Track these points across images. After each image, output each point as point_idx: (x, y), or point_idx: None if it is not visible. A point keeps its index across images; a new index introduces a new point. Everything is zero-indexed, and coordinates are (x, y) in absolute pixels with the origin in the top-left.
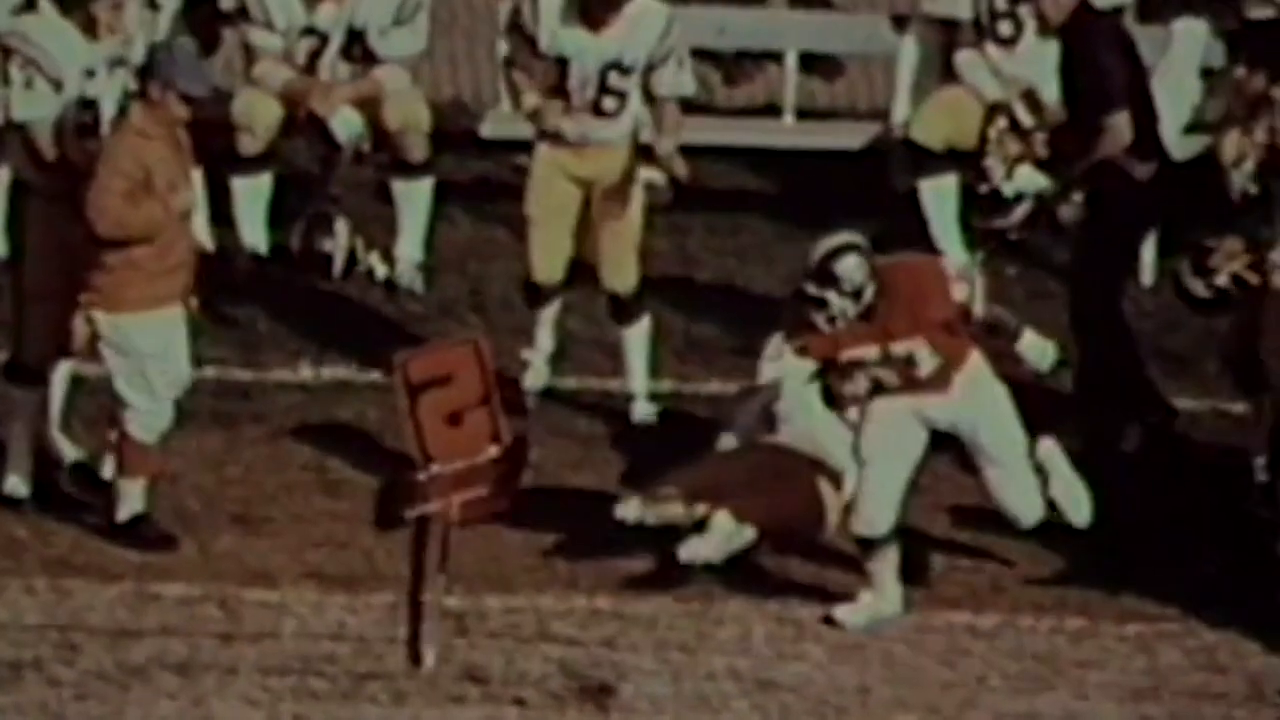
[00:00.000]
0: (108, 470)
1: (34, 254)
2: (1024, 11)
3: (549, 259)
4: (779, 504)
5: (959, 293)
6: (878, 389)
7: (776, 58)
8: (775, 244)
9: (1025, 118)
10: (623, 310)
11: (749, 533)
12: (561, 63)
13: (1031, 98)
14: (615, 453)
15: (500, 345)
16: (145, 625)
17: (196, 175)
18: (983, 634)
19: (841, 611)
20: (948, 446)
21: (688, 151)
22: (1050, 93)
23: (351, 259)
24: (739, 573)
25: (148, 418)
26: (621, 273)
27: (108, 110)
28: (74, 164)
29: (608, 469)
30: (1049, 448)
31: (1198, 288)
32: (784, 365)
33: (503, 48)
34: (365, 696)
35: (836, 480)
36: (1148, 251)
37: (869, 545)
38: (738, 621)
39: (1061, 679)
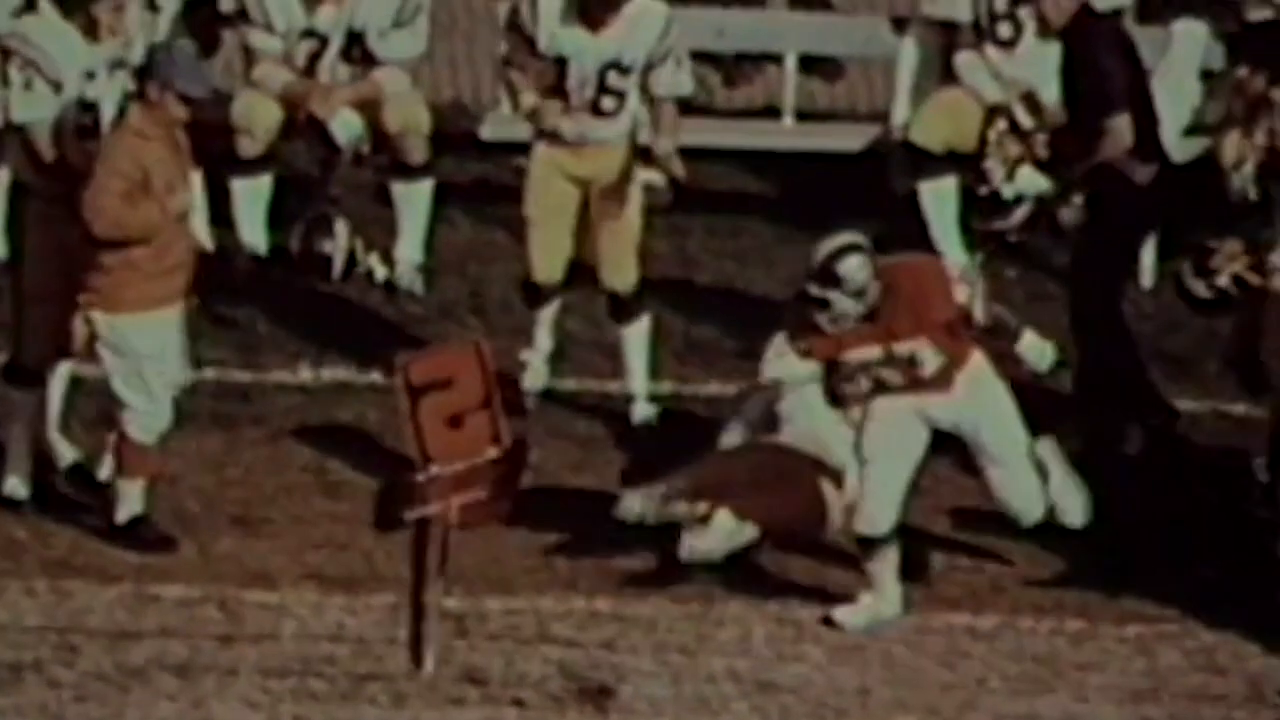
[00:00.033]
0: (104, 472)
1: (33, 256)
2: (1023, 14)
3: (548, 259)
4: (781, 503)
5: (960, 295)
6: (880, 388)
7: (776, 60)
8: (775, 246)
9: (1025, 119)
10: (622, 309)
11: (750, 531)
12: (560, 63)
13: (1031, 100)
14: (615, 454)
15: (500, 347)
16: (145, 627)
17: (196, 177)
18: (982, 635)
19: (841, 613)
20: (948, 448)
21: (687, 153)
22: (1050, 94)
23: (351, 261)
24: (739, 574)
25: (146, 418)
26: (621, 272)
27: (108, 112)
28: (73, 166)
29: (607, 470)
30: (1047, 449)
31: (1199, 288)
32: (787, 365)
33: (501, 48)
34: (365, 698)
35: (838, 480)
36: (1147, 253)
37: (870, 545)
38: (737, 623)
39: (1061, 680)
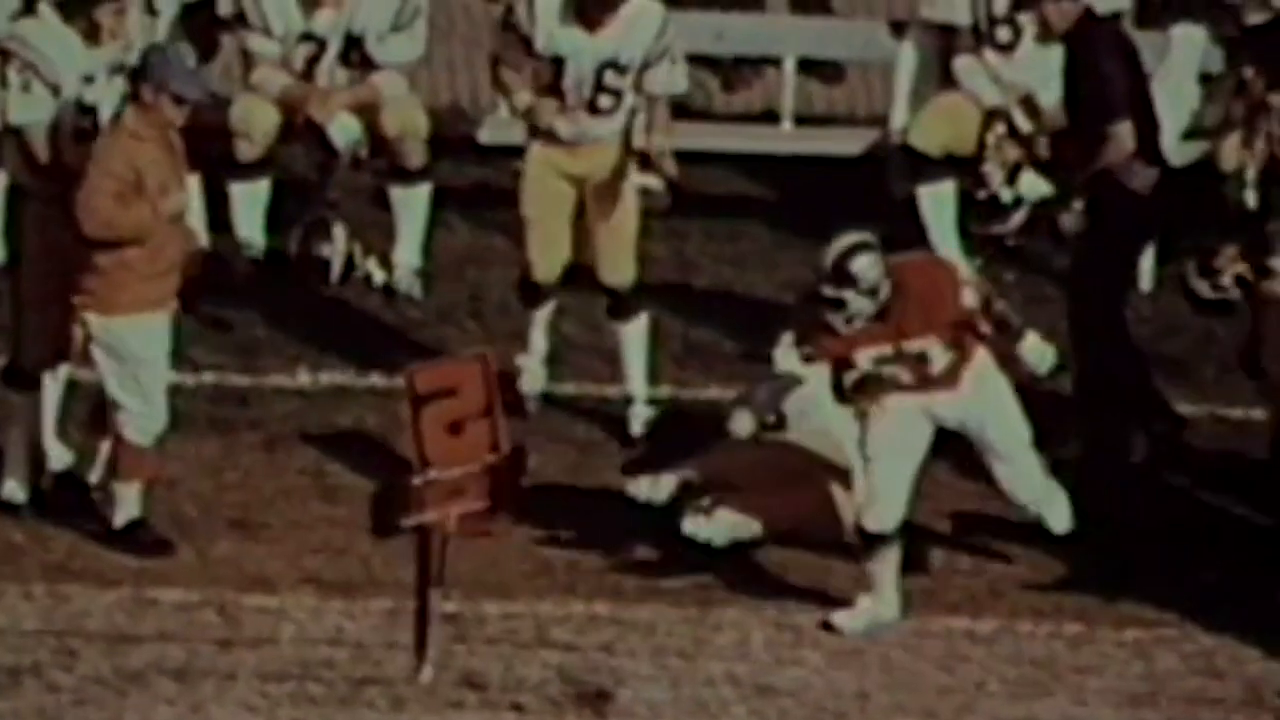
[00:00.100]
0: (94, 476)
1: (31, 259)
2: (1022, 18)
3: (548, 257)
4: (791, 504)
5: (969, 298)
6: (889, 386)
7: (775, 63)
8: (773, 250)
9: (1023, 123)
10: (620, 306)
11: (754, 525)
12: (557, 62)
13: (1030, 103)
14: (613, 458)
15: (498, 351)
16: (143, 631)
17: (193, 180)
18: (981, 639)
19: (840, 617)
20: (946, 451)
21: (686, 157)
22: (1048, 98)
23: (349, 265)
24: (738, 577)
25: (142, 420)
26: (618, 268)
27: (106, 116)
28: (70, 168)
29: (606, 474)
30: None
31: (1203, 288)
32: (792, 366)
33: (494, 47)
34: (363, 702)
35: (847, 481)
36: (1146, 257)
37: (875, 542)
38: (736, 627)
39: (1059, 684)
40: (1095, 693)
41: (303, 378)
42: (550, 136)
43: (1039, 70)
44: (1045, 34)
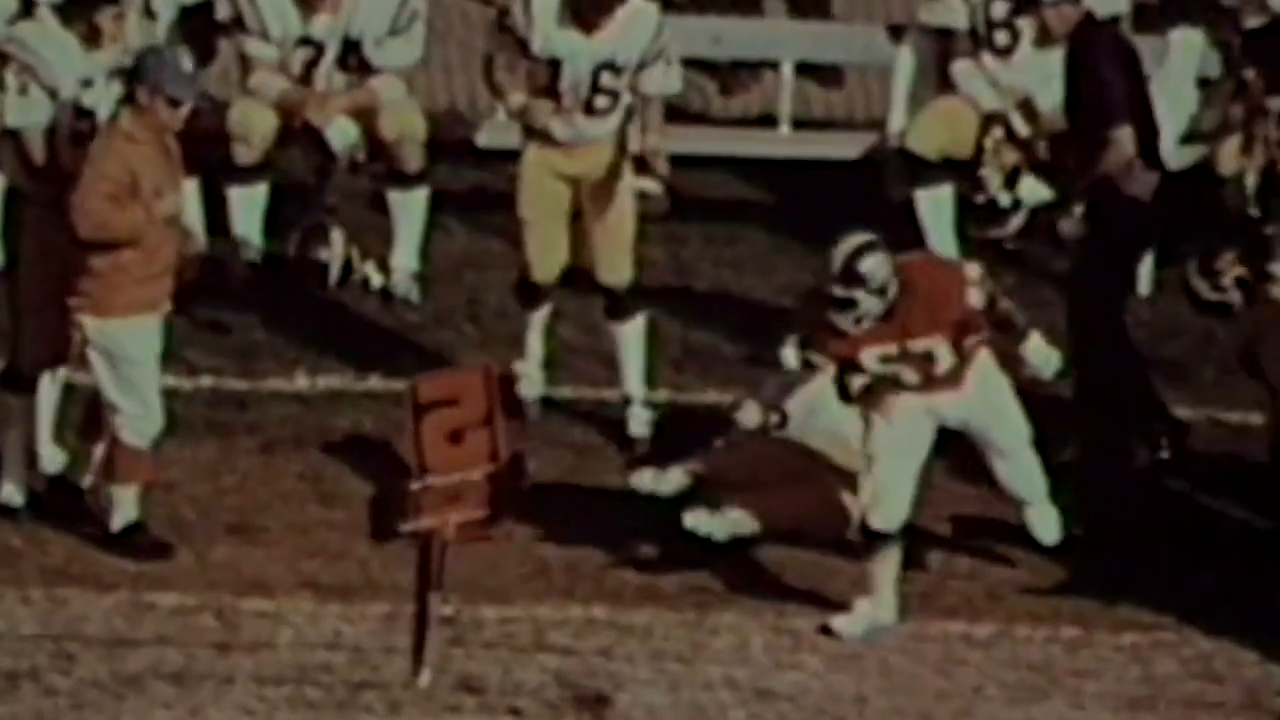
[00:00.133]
0: (86, 480)
1: (28, 262)
2: (1020, 22)
3: (546, 258)
4: (796, 501)
5: (975, 297)
6: (894, 385)
7: (773, 67)
8: (771, 253)
9: (1021, 127)
10: (618, 306)
11: (753, 522)
12: (553, 64)
13: (1028, 107)
14: (611, 462)
15: (495, 355)
16: (141, 635)
17: (190, 183)
18: (979, 643)
19: (839, 621)
20: (945, 454)
21: (684, 161)
22: (1046, 102)
23: (347, 269)
24: (736, 578)
25: (138, 422)
26: (615, 268)
27: (103, 119)
28: (67, 171)
29: (604, 478)
30: None
31: (1203, 289)
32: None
33: (488, 49)
34: (361, 706)
35: (851, 481)
36: (1145, 261)
37: (878, 541)
38: (734, 631)
39: (1057, 688)
40: (1093, 697)
41: (301, 381)
42: (546, 138)
43: (1037, 74)
44: (1044, 38)
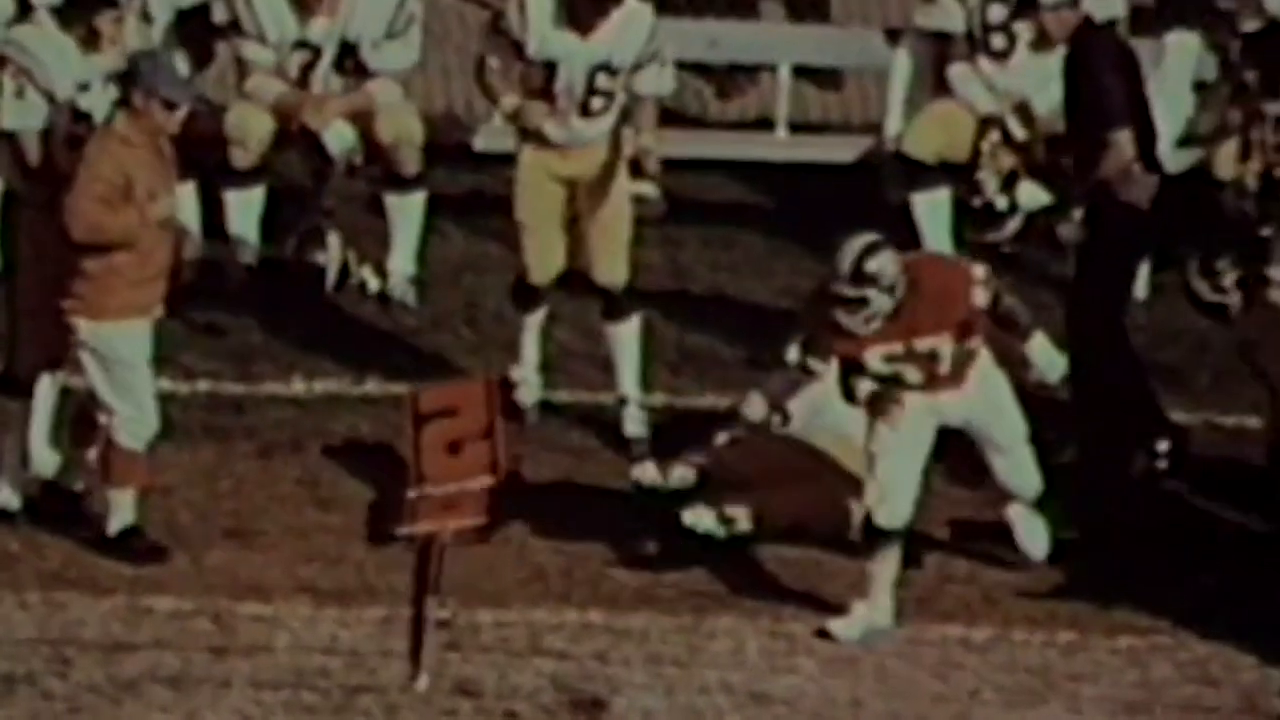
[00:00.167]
0: (78, 485)
1: (24, 265)
2: (1017, 26)
3: (543, 261)
4: (798, 498)
5: (980, 297)
6: (898, 384)
7: (770, 70)
8: (769, 257)
9: (1018, 131)
10: (614, 306)
11: (747, 521)
12: (549, 67)
13: (1024, 111)
14: (608, 465)
15: (493, 359)
16: (138, 639)
17: (187, 187)
18: (975, 647)
19: (836, 625)
20: (942, 457)
21: (681, 165)
22: (1043, 106)
23: (344, 272)
24: (733, 581)
25: (133, 425)
26: (612, 268)
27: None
28: (63, 174)
29: (601, 481)
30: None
31: (1204, 289)
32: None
33: (480, 52)
34: (358, 710)
35: (854, 483)
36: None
37: (881, 540)
38: (730, 635)
39: (1054, 692)
40: (1090, 701)
41: (297, 385)
42: (541, 139)
43: (1034, 77)
44: (1041, 42)
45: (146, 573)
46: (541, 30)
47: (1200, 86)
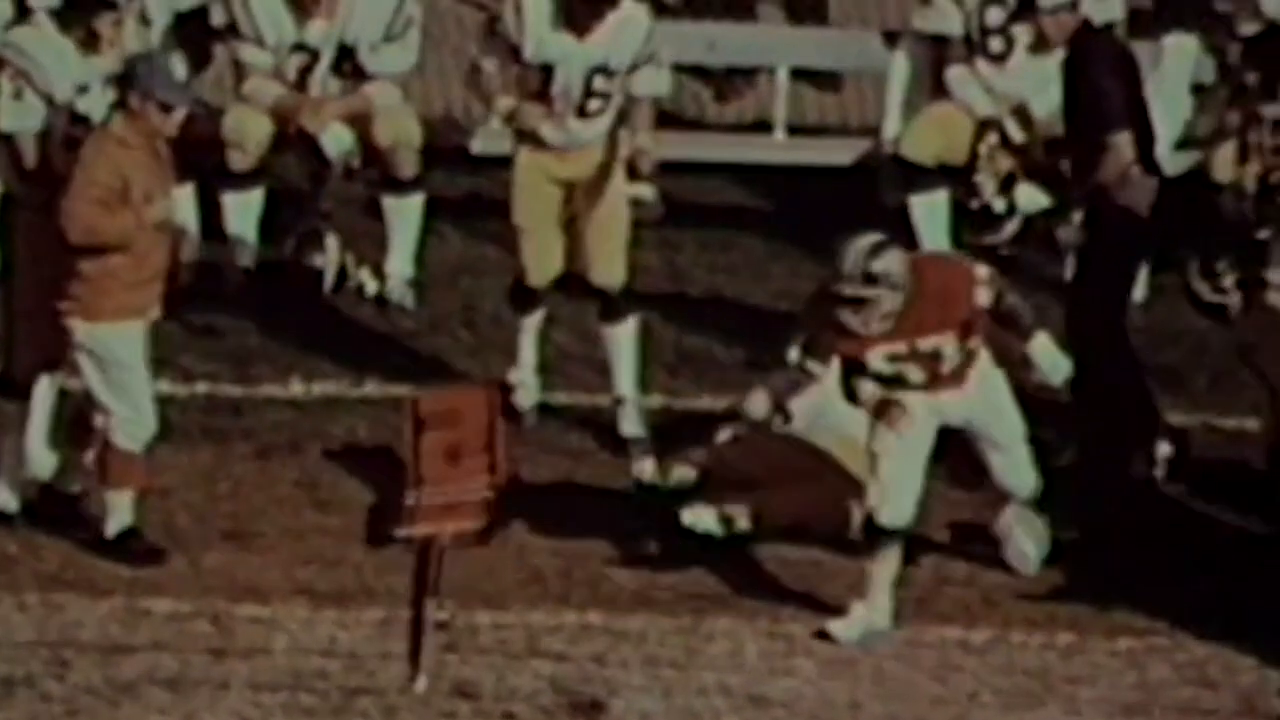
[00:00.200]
0: (74, 487)
1: (22, 267)
2: (1015, 28)
3: (543, 262)
4: (798, 497)
5: (983, 296)
6: (895, 382)
7: (768, 73)
8: (766, 259)
9: (1016, 133)
10: (611, 307)
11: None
12: (545, 69)
13: (1022, 113)
14: (606, 467)
15: (491, 361)
16: (136, 641)
17: (185, 189)
18: (974, 649)
19: (835, 626)
20: (941, 459)
21: (678, 167)
22: (1041, 108)
23: (342, 275)
24: (731, 583)
25: (130, 426)
26: (609, 268)
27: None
28: (60, 176)
29: (599, 483)
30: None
31: (1204, 290)
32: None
33: (474, 55)
34: (356, 712)
35: (856, 485)
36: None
37: (882, 539)
38: (728, 637)
39: (1052, 694)
40: (1088, 703)
41: (295, 388)
42: (537, 141)
43: (1032, 80)
44: (1039, 45)
45: (144, 574)
46: (538, 32)
47: (1198, 89)
